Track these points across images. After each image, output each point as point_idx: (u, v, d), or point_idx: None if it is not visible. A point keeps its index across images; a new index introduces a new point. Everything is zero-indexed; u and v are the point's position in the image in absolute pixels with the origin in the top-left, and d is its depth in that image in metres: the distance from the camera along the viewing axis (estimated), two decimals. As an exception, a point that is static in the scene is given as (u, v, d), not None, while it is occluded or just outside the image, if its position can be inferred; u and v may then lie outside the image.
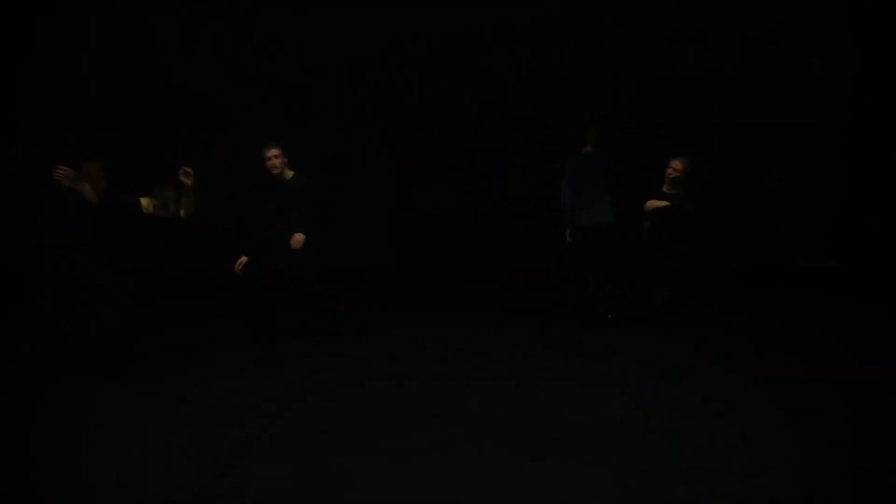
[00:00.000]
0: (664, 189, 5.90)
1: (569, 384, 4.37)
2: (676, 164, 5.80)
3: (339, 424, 3.68)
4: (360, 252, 7.81)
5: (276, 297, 5.62)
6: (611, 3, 7.65)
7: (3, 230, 6.42)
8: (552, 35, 7.74)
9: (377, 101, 7.95)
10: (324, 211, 5.43)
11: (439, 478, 3.03)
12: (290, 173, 5.39)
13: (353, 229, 7.57)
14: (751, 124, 8.11)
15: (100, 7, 7.48)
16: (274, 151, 5.30)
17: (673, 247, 5.78)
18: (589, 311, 6.09)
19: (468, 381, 4.44)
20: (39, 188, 5.38)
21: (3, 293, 6.39)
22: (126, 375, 4.47)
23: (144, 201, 4.66)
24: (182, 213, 4.83)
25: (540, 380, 4.47)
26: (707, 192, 6.24)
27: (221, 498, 2.87)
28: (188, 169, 4.83)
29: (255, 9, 7.55)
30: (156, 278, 4.96)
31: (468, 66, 7.75)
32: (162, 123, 7.78)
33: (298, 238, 5.23)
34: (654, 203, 5.74)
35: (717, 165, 8.04)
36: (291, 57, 7.69)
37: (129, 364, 4.56)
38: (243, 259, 5.29)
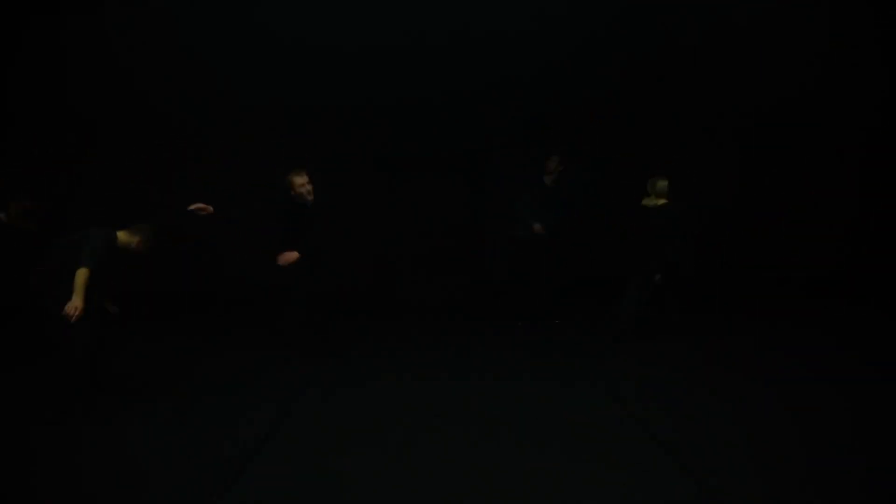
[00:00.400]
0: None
1: (569, 384, 4.37)
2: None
3: (339, 424, 3.68)
4: (358, 252, 7.79)
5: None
6: (615, 2, 7.64)
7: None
8: (555, 35, 7.73)
9: (376, 102, 7.94)
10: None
11: (439, 478, 3.03)
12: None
13: (352, 229, 7.56)
14: (754, 127, 8.11)
15: (99, 7, 7.47)
16: (306, 178, 5.16)
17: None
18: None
19: (468, 382, 4.44)
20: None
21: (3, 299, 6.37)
22: (123, 381, 4.46)
23: (122, 235, 4.27)
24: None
25: (540, 380, 4.47)
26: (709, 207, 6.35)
27: (222, 498, 2.87)
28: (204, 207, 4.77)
29: (254, 5, 7.54)
30: (154, 296, 4.92)
31: (468, 66, 7.75)
32: (161, 123, 7.78)
33: (292, 256, 5.17)
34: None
35: (721, 169, 8.06)
36: (290, 57, 7.68)
37: (84, 402, 4.07)
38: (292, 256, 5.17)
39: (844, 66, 7.89)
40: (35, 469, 3.17)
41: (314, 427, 3.65)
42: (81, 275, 3.91)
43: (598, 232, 7.69)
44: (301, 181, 5.18)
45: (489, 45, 7.62)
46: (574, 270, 7.86)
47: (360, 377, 4.56)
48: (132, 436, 3.55)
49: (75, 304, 3.82)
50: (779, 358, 4.94)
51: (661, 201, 5.49)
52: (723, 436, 3.47)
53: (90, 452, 3.34)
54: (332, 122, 7.81)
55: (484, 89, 7.84)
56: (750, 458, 3.21)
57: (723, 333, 5.68)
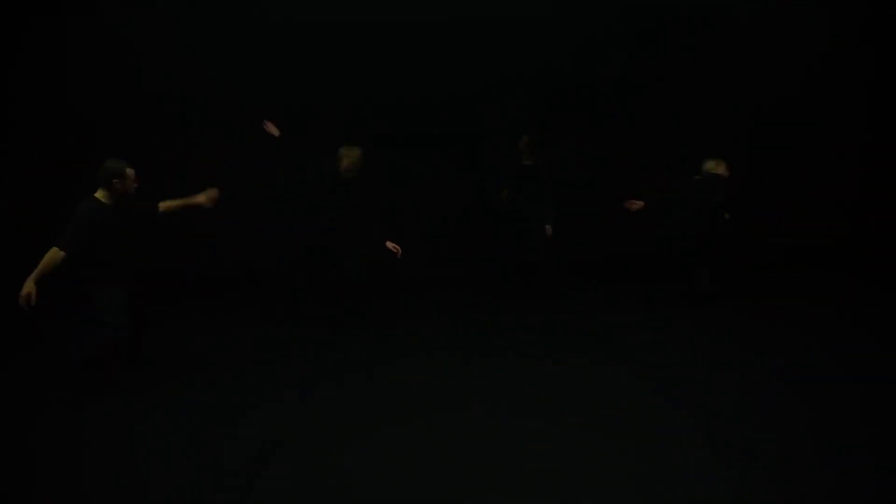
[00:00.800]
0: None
1: (571, 380, 4.34)
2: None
3: (339, 424, 3.68)
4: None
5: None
6: (615, 2, 7.64)
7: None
8: (555, 35, 7.73)
9: (375, 101, 7.93)
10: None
11: (439, 478, 3.03)
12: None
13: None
14: (754, 126, 8.11)
15: (99, 7, 7.47)
16: (358, 153, 5.54)
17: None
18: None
19: (468, 381, 4.41)
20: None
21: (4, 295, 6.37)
22: (124, 380, 4.45)
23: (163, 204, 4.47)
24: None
25: (541, 373, 4.44)
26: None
27: (221, 499, 2.87)
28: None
29: (254, 5, 7.54)
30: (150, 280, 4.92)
31: (468, 66, 7.75)
32: (161, 123, 7.77)
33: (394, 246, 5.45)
34: None
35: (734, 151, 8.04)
36: (290, 56, 7.68)
37: (87, 390, 4.16)
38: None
39: (844, 66, 7.90)
40: (35, 469, 3.17)
41: (314, 427, 3.65)
42: (48, 254, 3.85)
43: (616, 212, 7.72)
44: (353, 153, 5.47)
45: (489, 44, 7.63)
46: (592, 250, 7.88)
47: (360, 376, 4.53)
48: (132, 436, 3.55)
49: (24, 290, 3.76)
50: (794, 338, 5.04)
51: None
52: (740, 433, 3.44)
53: (90, 452, 3.34)
54: (332, 122, 7.81)
55: (484, 89, 7.85)
56: (771, 447, 3.20)
57: (739, 317, 5.73)
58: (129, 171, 4.24)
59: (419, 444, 3.38)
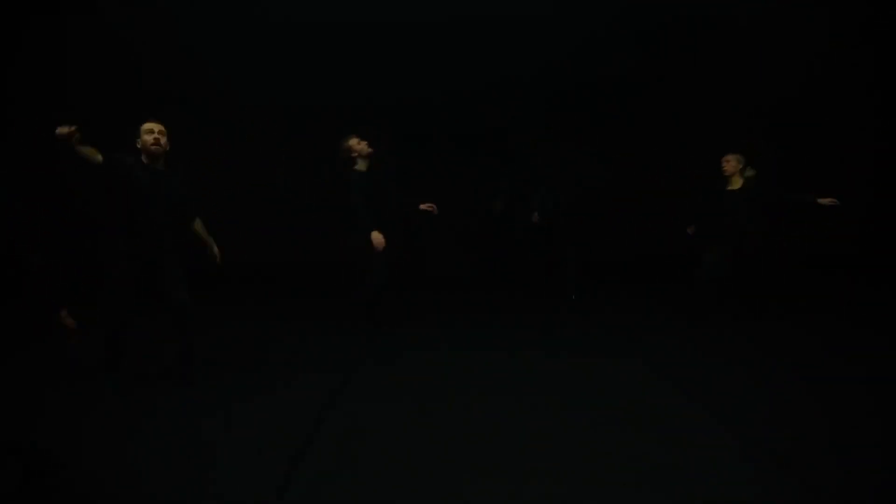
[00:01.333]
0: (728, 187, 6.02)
1: (572, 379, 4.35)
2: (729, 159, 6.04)
3: (338, 423, 3.68)
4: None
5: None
6: (615, 2, 7.65)
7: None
8: (555, 36, 7.74)
9: (375, 101, 7.95)
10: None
11: (439, 478, 3.03)
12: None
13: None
14: (755, 126, 8.11)
15: (99, 7, 7.48)
16: (356, 138, 5.43)
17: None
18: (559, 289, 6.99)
19: (469, 381, 4.42)
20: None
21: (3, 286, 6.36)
22: (124, 380, 4.46)
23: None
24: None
25: (542, 372, 4.45)
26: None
27: (220, 498, 2.87)
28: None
29: (254, 5, 7.54)
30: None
31: (468, 67, 7.75)
32: (161, 123, 7.78)
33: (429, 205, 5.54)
34: None
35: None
36: (291, 56, 7.69)
37: (112, 366, 4.44)
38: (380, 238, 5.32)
39: (844, 66, 7.91)
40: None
41: (313, 427, 3.65)
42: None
43: (633, 213, 7.75)
44: (354, 141, 5.38)
45: (489, 44, 7.63)
46: (592, 250, 7.92)
47: (358, 376, 4.54)
48: (132, 436, 3.55)
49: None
50: (807, 341, 5.05)
51: (739, 185, 5.93)
52: (745, 433, 3.43)
53: (90, 452, 3.34)
54: (332, 122, 7.82)
55: (484, 89, 7.86)
56: (764, 457, 3.20)
57: (752, 324, 5.73)
58: (144, 126, 4.40)
59: (419, 444, 3.38)
